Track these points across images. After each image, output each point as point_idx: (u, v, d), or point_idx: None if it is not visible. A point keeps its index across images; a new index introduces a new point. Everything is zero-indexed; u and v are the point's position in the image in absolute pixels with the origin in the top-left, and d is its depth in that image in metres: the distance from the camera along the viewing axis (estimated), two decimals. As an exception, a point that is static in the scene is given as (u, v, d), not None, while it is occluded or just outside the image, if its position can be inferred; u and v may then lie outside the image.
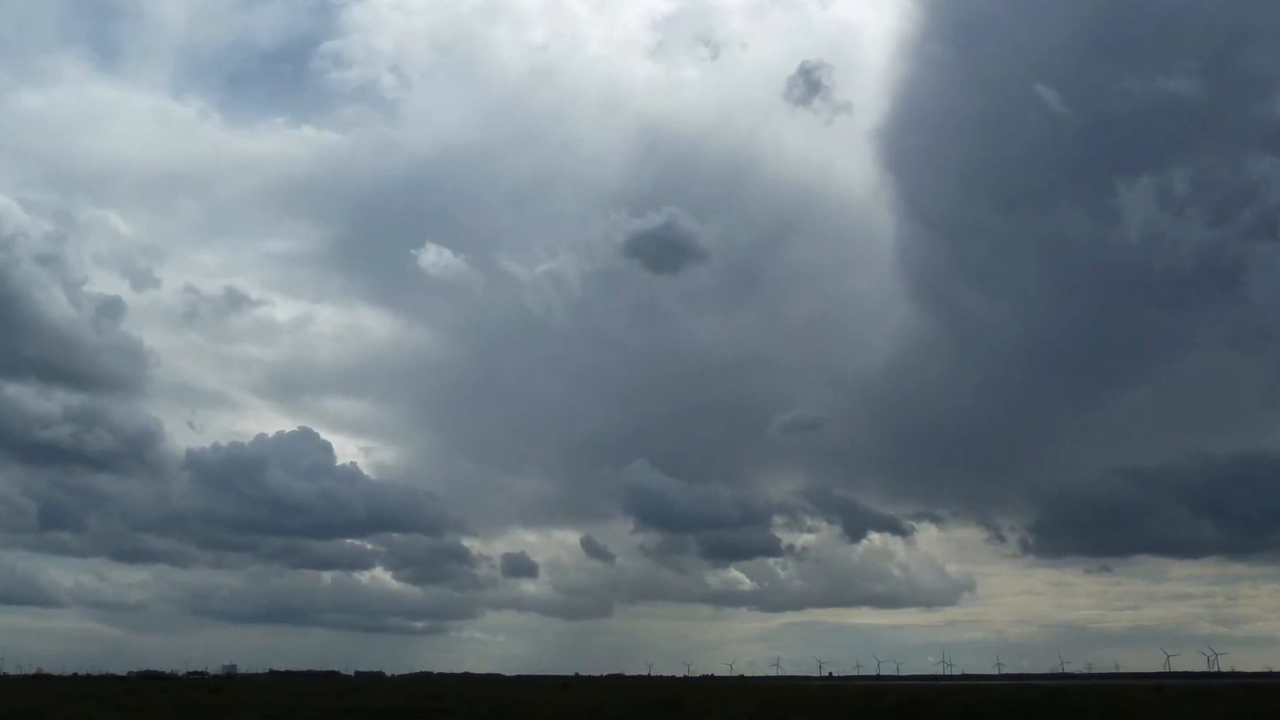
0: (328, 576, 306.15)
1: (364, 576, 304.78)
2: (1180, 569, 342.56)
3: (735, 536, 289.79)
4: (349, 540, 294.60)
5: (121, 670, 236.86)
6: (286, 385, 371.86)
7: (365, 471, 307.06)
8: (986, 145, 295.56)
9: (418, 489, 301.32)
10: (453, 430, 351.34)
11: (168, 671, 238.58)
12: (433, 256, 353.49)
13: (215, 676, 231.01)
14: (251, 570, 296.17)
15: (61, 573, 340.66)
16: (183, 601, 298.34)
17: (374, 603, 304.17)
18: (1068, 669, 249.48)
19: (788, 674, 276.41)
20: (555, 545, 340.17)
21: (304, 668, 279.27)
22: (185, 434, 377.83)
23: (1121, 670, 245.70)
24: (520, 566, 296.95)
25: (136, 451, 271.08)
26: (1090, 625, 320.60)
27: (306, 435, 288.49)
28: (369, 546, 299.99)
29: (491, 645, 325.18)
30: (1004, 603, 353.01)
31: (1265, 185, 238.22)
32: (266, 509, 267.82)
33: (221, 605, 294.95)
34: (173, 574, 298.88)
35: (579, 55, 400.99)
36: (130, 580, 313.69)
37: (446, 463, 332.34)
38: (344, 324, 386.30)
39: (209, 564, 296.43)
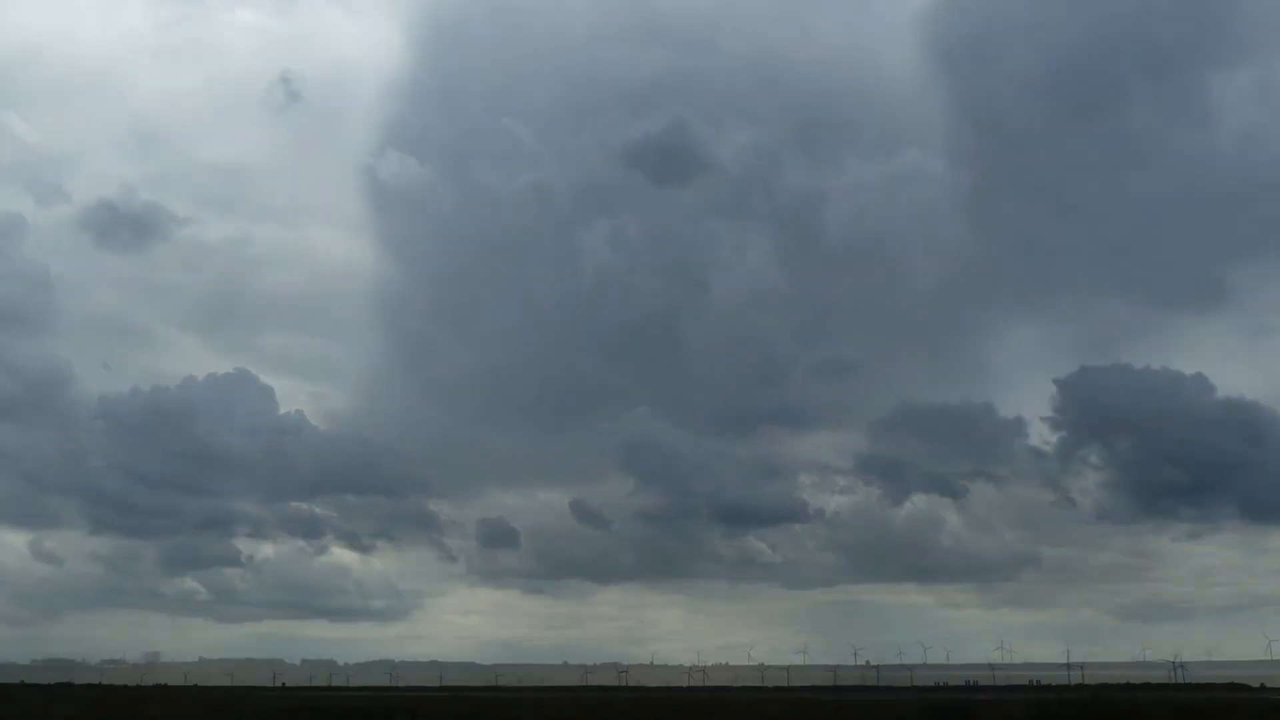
0: (269, 547, 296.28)
1: (312, 547, 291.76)
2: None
3: (755, 499, 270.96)
4: (294, 503, 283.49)
5: (24, 659, 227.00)
6: (220, 318, 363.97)
7: (313, 422, 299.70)
8: (1052, 33, 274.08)
9: (376, 443, 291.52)
10: (418, 373, 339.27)
11: (79, 660, 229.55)
12: (394, 165, 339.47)
13: (135, 666, 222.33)
14: (178, 539, 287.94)
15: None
16: (96, 576, 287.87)
17: (324, 578, 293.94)
18: (1148, 657, 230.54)
19: (817, 663, 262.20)
20: (539, 509, 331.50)
21: (240, 656, 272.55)
22: (99, 377, 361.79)
23: (1217, 659, 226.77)
24: (498, 534, 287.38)
25: (41, 398, 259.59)
26: (1179, 604, 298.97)
27: (243, 378, 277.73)
28: (318, 511, 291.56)
29: (464, 628, 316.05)
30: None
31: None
32: (195, 466, 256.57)
33: (142, 580, 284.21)
34: (84, 543, 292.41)
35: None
36: (33, 551, 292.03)
37: (410, 412, 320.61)
38: (288, 246, 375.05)
39: (127, 531, 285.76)
